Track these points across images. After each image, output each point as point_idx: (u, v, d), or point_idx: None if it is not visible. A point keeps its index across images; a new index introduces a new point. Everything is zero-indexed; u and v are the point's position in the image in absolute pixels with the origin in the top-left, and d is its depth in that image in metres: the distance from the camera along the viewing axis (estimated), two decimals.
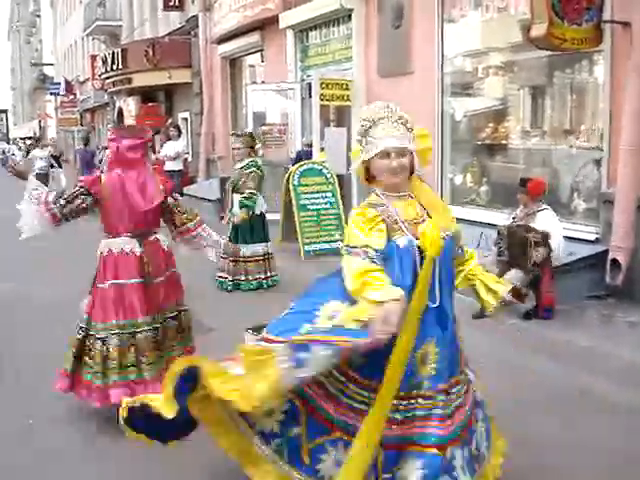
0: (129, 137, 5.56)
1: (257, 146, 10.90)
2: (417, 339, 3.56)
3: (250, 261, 10.02)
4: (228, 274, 10.00)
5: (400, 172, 3.65)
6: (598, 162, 9.28)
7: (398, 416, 3.63)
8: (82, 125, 41.52)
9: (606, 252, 8.52)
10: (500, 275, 8.10)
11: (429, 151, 3.89)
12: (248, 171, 9.88)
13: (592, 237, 9.01)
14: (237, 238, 9.98)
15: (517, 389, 6.12)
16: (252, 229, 9.99)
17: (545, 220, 8.19)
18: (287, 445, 3.78)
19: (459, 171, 12.19)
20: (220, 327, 8.17)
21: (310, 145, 14.39)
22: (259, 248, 10.03)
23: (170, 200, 5.68)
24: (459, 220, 10.74)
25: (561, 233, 8.22)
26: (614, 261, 8.36)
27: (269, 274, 10.14)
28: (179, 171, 16.93)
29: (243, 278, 10.00)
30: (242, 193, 9.80)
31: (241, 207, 9.80)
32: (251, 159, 10.00)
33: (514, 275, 8.05)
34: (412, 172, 3.75)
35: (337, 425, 3.67)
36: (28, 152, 49.88)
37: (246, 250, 9.99)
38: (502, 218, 9.14)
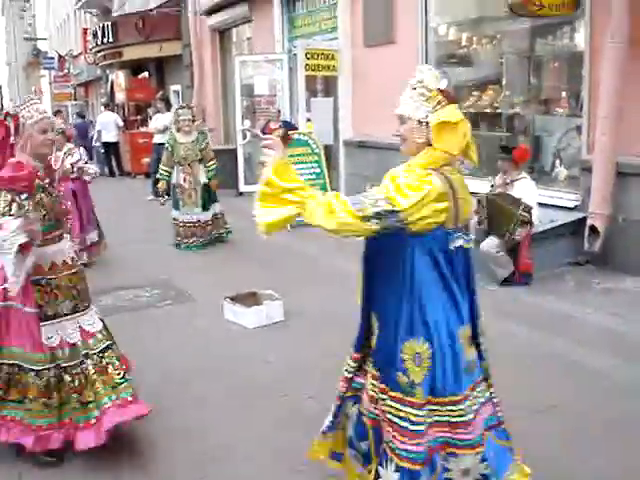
0: None
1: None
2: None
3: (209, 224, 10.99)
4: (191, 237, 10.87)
5: None
6: (579, 129, 9.30)
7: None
8: (76, 100, 41.38)
9: (585, 219, 8.55)
10: (478, 242, 8.19)
11: None
12: (205, 143, 10.99)
13: (572, 204, 9.04)
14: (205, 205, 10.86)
15: (489, 353, 6.18)
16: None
17: (523, 189, 8.23)
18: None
19: None
20: (198, 295, 8.31)
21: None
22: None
23: None
24: None
25: (537, 201, 8.26)
26: (592, 228, 8.39)
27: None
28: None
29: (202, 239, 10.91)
30: (206, 164, 10.93)
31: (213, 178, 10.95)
32: (200, 131, 11.20)
33: (491, 243, 8.11)
34: None
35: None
36: None
37: (207, 214, 10.97)
38: (485, 186, 9.14)
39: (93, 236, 10.01)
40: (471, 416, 3.33)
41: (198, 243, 10.78)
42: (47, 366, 4.49)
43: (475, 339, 3.48)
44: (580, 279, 8.35)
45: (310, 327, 6.98)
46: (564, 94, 9.97)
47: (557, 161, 10.04)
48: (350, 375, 3.63)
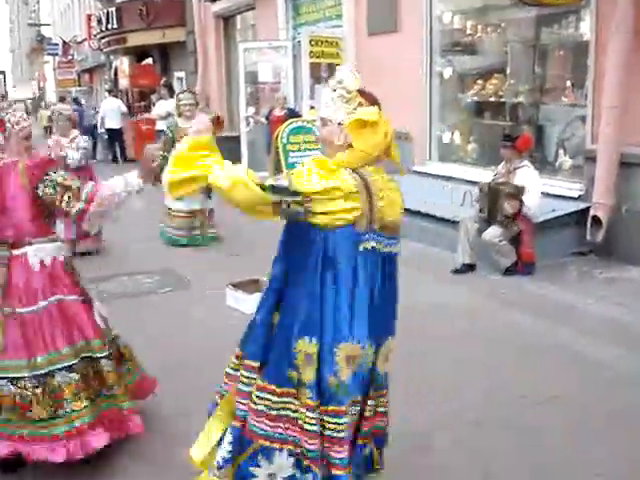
0: None
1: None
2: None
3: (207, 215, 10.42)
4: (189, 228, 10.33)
5: None
6: (583, 119, 9.26)
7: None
8: (80, 85, 41.38)
9: (589, 209, 8.53)
10: (480, 232, 8.17)
11: None
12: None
13: (576, 194, 9.01)
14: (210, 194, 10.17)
15: (492, 342, 6.20)
16: None
17: (525, 176, 8.19)
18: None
19: (447, 129, 12.16)
20: (199, 282, 8.30)
21: None
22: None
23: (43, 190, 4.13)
24: (446, 177, 10.83)
25: (539, 190, 8.23)
26: (595, 218, 8.37)
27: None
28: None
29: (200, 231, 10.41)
30: None
31: None
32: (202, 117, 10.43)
33: (494, 232, 8.08)
34: None
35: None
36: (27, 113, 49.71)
37: (209, 203, 10.34)
38: (488, 175, 9.10)
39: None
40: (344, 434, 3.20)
41: (197, 236, 10.32)
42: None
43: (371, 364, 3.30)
44: (583, 269, 8.33)
45: None
46: (569, 84, 9.93)
47: (561, 151, 10.00)
48: (250, 389, 3.32)
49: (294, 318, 3.16)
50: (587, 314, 6.94)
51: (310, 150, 12.38)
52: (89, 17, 34.05)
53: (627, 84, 8.08)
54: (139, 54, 28.35)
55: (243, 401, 3.33)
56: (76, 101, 25.31)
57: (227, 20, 21.04)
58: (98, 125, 22.35)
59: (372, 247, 3.13)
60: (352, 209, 3.01)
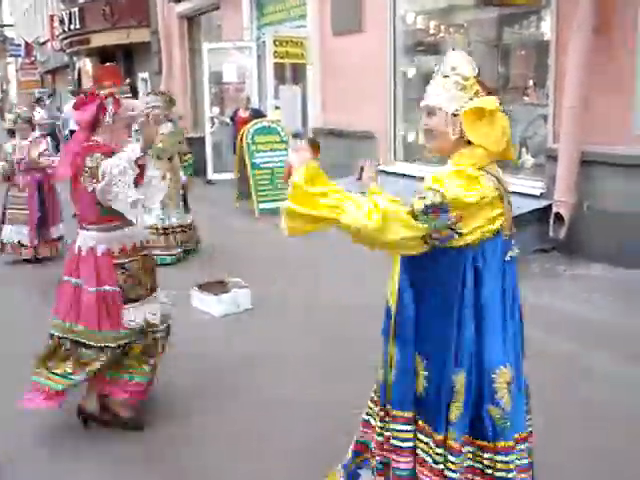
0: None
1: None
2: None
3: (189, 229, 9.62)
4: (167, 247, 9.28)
5: None
6: (545, 118, 9.37)
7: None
8: (43, 87, 40.98)
9: (551, 206, 8.63)
10: None
11: None
12: (182, 135, 10.08)
13: (538, 192, 9.11)
14: (187, 207, 9.62)
15: None
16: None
17: None
18: None
19: (411, 129, 12.22)
20: (166, 284, 8.25)
21: None
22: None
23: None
24: (411, 177, 10.88)
25: None
26: (557, 215, 8.47)
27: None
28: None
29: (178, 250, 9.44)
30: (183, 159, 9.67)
31: (190, 173, 9.89)
32: (172, 123, 9.74)
33: None
34: None
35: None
36: None
37: (189, 217, 9.65)
38: None
39: (60, 229, 9.79)
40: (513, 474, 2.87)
41: (174, 256, 9.21)
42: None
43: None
44: (546, 266, 8.41)
45: (278, 314, 6.97)
46: (531, 83, 10.06)
47: (523, 149, 10.10)
48: (410, 445, 2.96)
49: (445, 354, 2.85)
50: (551, 311, 7.00)
51: (274, 151, 12.41)
52: (52, 17, 33.78)
53: (588, 84, 8.18)
54: (103, 55, 28.14)
55: (407, 459, 2.97)
56: (40, 101, 25.07)
57: (191, 20, 20.98)
58: (61, 127, 22.15)
59: (513, 255, 2.91)
60: (497, 216, 2.76)
